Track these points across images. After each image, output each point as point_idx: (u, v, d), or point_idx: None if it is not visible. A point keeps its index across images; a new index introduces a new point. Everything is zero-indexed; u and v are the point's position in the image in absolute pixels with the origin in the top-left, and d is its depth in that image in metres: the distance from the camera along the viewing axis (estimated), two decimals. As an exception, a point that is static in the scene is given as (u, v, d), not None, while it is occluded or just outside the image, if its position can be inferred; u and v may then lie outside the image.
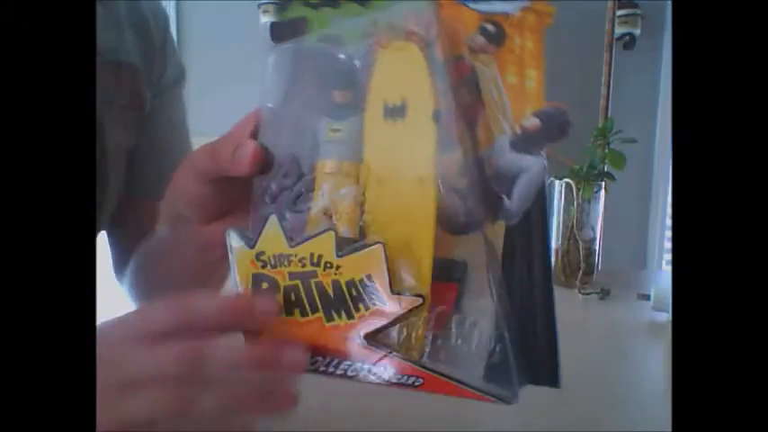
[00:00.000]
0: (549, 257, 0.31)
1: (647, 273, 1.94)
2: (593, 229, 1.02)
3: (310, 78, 0.33)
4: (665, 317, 0.84)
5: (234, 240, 0.33)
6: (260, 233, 0.32)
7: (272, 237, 0.31)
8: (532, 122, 0.30)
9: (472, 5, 0.31)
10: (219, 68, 2.12)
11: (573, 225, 1.01)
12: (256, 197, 0.33)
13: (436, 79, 0.30)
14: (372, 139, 0.32)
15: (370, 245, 0.30)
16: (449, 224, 0.30)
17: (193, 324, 0.31)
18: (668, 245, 2.18)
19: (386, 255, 0.29)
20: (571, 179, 1.01)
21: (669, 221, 2.17)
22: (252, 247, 0.32)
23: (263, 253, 0.32)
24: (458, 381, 0.30)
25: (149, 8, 0.63)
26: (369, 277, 0.30)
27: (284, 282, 0.31)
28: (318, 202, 0.32)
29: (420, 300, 0.29)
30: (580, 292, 0.97)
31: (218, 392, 0.30)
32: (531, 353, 0.30)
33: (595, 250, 1.03)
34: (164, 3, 1.82)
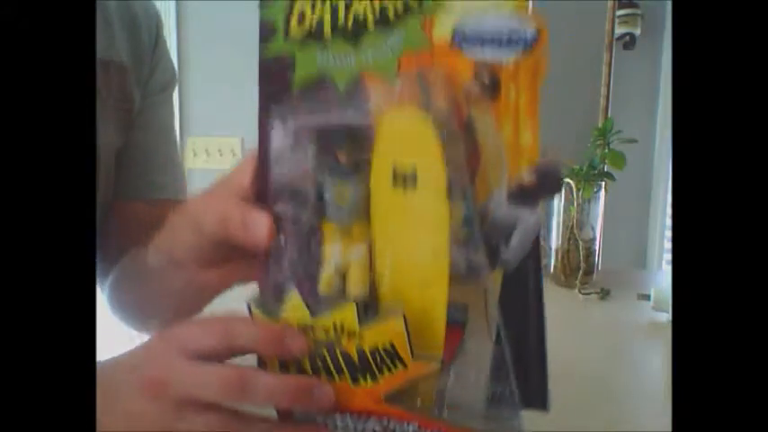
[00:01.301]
0: (542, 300, 0.33)
1: (647, 273, 1.94)
2: (593, 229, 1.02)
3: (311, 136, 0.32)
4: (665, 317, 0.84)
5: (254, 309, 0.33)
6: (281, 304, 0.32)
7: (294, 307, 0.32)
8: (528, 178, 0.31)
9: (467, 51, 0.30)
10: (219, 68, 2.12)
11: (573, 225, 1.01)
12: (268, 260, 0.33)
13: (446, 148, 0.30)
14: (381, 205, 0.32)
15: (391, 315, 0.31)
16: (452, 274, 0.31)
17: (233, 348, 0.32)
18: (668, 245, 2.17)
19: (406, 325, 0.31)
20: (571, 179, 1.01)
21: (669, 221, 2.17)
22: (275, 317, 0.32)
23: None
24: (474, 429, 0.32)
25: (141, 8, 0.62)
26: (391, 344, 0.31)
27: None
28: (331, 263, 0.32)
29: (439, 364, 0.31)
30: (580, 292, 0.97)
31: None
32: (525, 385, 0.33)
33: (595, 250, 1.03)
34: (164, 3, 1.82)
